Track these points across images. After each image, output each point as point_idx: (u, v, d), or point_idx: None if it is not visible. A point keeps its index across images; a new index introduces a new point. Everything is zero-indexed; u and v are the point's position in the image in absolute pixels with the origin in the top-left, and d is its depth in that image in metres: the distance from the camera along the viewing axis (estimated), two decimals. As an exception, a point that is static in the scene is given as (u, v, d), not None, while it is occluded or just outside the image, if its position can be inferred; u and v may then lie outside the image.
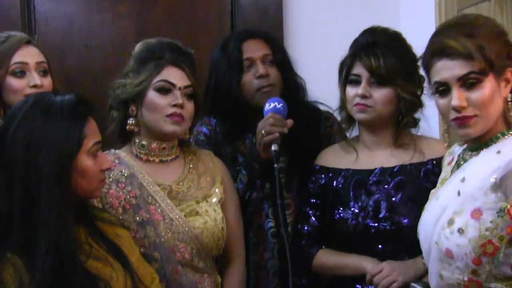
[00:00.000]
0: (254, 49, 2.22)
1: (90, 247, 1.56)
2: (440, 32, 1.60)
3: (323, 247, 2.06)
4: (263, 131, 1.98)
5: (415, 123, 2.04)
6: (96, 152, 1.60)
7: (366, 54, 1.96)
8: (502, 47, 1.55)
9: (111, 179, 1.88)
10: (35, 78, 2.05)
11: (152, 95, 1.90)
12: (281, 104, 2.03)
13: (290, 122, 2.02)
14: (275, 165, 1.90)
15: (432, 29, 2.50)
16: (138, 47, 2.04)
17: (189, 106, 1.93)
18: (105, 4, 2.86)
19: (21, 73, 2.05)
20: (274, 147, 1.95)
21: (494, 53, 1.52)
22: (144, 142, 1.96)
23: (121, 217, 1.86)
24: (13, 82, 2.04)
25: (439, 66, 1.56)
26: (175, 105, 1.89)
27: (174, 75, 1.91)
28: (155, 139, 1.95)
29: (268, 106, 2.04)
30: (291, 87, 2.25)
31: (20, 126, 1.52)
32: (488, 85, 1.53)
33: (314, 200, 2.08)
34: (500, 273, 1.48)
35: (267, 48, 2.24)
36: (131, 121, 1.93)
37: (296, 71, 2.31)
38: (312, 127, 2.24)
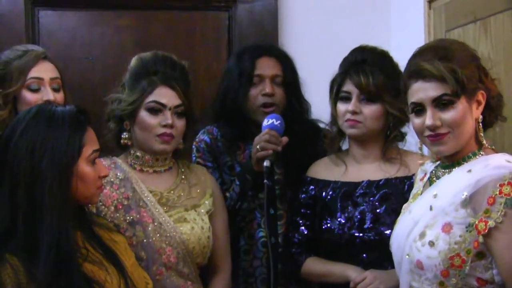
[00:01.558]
0: (266, 67, 2.28)
1: (86, 251, 1.63)
2: (417, 55, 1.67)
3: (312, 255, 2.12)
4: (258, 146, 2.06)
5: (402, 137, 2.11)
6: (95, 160, 1.68)
7: (355, 72, 2.03)
8: (474, 71, 1.62)
9: (106, 180, 1.94)
10: (49, 93, 2.13)
11: (143, 115, 1.98)
12: (278, 122, 2.10)
13: (285, 139, 2.09)
14: (265, 181, 1.97)
15: (421, 47, 2.61)
16: (133, 61, 2.07)
17: (179, 124, 2.00)
18: (106, 18, 2.92)
19: (36, 89, 2.14)
20: (266, 163, 2.01)
21: (466, 76, 1.59)
22: (138, 154, 2.04)
23: (112, 215, 1.94)
24: (28, 96, 2.13)
25: (415, 87, 1.63)
26: (165, 125, 1.96)
27: (165, 95, 1.98)
28: (148, 153, 2.03)
29: (266, 122, 2.11)
30: (294, 108, 2.30)
31: (23, 134, 1.59)
32: (460, 106, 1.60)
33: (304, 210, 2.15)
34: (466, 284, 1.54)
35: (279, 68, 2.29)
36: (124, 135, 2.02)
37: (303, 92, 2.37)
38: (311, 143, 2.30)
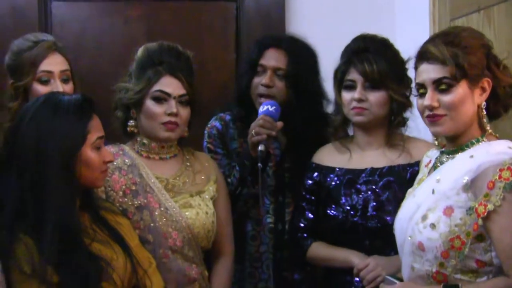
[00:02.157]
0: (271, 59, 2.31)
1: (93, 232, 1.72)
2: (429, 39, 1.73)
3: (317, 240, 2.16)
4: (253, 131, 2.11)
5: (404, 122, 2.14)
6: (99, 146, 1.75)
7: (359, 60, 2.06)
8: (480, 58, 1.66)
9: (114, 166, 2.02)
10: (58, 86, 2.17)
11: (149, 104, 2.03)
12: (273, 107, 2.14)
13: (280, 124, 2.13)
14: (259, 164, 2.02)
15: (426, 36, 2.62)
16: (140, 51, 2.12)
17: (184, 113, 2.05)
18: (116, 9, 2.96)
19: (46, 81, 2.18)
20: (260, 147, 2.07)
21: (469, 62, 1.63)
22: (145, 141, 2.10)
23: (120, 200, 2.00)
24: (39, 88, 2.17)
25: (420, 69, 1.70)
26: (170, 114, 2.02)
27: (170, 85, 2.03)
28: (154, 140, 2.09)
29: (262, 108, 2.16)
30: (296, 102, 2.29)
31: (31, 121, 1.67)
32: (460, 90, 1.64)
33: (309, 196, 2.18)
34: (466, 266, 1.59)
35: (285, 62, 2.30)
36: (131, 123, 2.08)
37: (321, 85, 2.36)
38: (320, 133, 2.31)
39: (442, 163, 1.73)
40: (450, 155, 1.72)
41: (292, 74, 2.29)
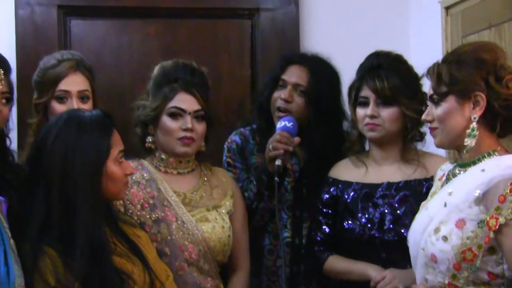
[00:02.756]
0: (293, 75, 2.36)
1: (114, 245, 1.76)
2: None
3: (334, 253, 2.19)
4: (270, 146, 2.14)
5: (422, 137, 2.17)
6: (121, 159, 1.80)
7: (371, 77, 2.11)
8: (471, 73, 1.67)
9: (133, 180, 2.07)
10: (74, 105, 2.20)
11: (165, 120, 2.09)
12: (291, 123, 2.18)
13: (297, 140, 2.17)
14: (276, 179, 2.06)
15: (438, 53, 2.69)
16: (156, 70, 2.17)
17: (199, 128, 2.10)
18: (133, 26, 3.01)
19: (63, 99, 2.23)
20: (277, 162, 2.11)
21: (453, 77, 1.67)
22: (163, 156, 2.15)
23: (138, 213, 2.04)
24: (56, 106, 2.23)
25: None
26: (185, 129, 2.07)
27: (184, 101, 2.09)
28: (171, 155, 2.14)
29: (279, 124, 2.20)
30: (319, 119, 2.31)
31: (57, 139, 1.73)
32: (446, 105, 1.70)
33: (326, 210, 2.21)
34: (478, 278, 1.60)
35: (306, 79, 2.34)
36: (149, 139, 2.14)
37: (341, 104, 2.38)
38: (337, 150, 2.33)
39: (454, 175, 1.76)
40: (463, 168, 1.75)
41: (312, 91, 2.33)
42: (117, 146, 1.79)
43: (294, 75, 2.36)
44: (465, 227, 1.61)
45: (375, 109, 2.10)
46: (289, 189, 2.36)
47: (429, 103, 1.75)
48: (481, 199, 1.62)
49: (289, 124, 2.18)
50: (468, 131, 1.68)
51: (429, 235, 1.67)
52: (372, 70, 2.13)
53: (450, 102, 1.69)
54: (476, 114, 1.67)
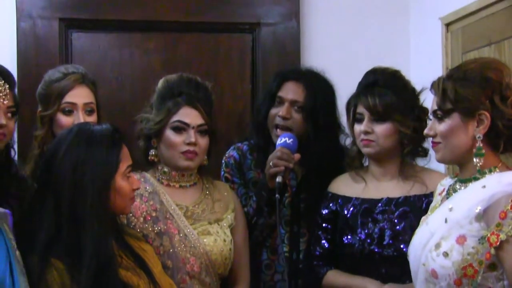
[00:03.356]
0: (289, 91, 2.36)
1: (121, 258, 1.76)
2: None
3: (333, 268, 2.19)
4: (270, 163, 2.15)
5: (425, 152, 2.18)
6: (129, 174, 1.81)
7: (364, 94, 2.13)
8: (476, 92, 1.67)
9: (136, 193, 2.03)
10: (80, 118, 2.22)
11: (169, 133, 2.09)
12: (291, 140, 2.18)
13: (297, 156, 2.17)
14: (276, 196, 2.06)
15: (439, 69, 2.70)
16: (160, 83, 2.18)
17: (202, 142, 2.11)
18: (135, 40, 3.03)
19: (69, 112, 2.23)
20: (278, 179, 2.10)
21: (458, 95, 1.67)
22: (165, 170, 2.15)
23: (141, 225, 2.04)
24: (62, 119, 2.23)
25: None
26: (188, 143, 2.07)
27: (188, 115, 2.09)
28: (174, 169, 2.14)
29: (279, 140, 2.20)
30: (318, 134, 2.32)
31: (67, 152, 1.73)
32: (449, 121, 1.70)
33: (326, 225, 2.22)
34: (479, 294, 1.60)
35: (303, 95, 2.34)
36: (152, 152, 2.14)
37: (337, 118, 2.40)
38: (335, 165, 2.34)
39: (455, 191, 1.76)
40: (463, 184, 1.75)
41: (309, 107, 2.33)
42: (125, 161, 1.79)
43: (291, 91, 2.36)
44: (466, 243, 1.61)
45: (369, 125, 2.12)
46: (286, 204, 2.36)
47: (431, 117, 1.76)
48: (482, 216, 1.62)
49: (289, 141, 2.18)
50: (475, 150, 1.68)
51: (430, 251, 1.67)
52: (368, 87, 2.15)
53: (454, 119, 1.70)
54: (480, 133, 1.68)
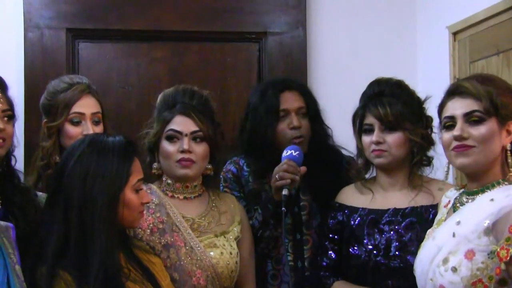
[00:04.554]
0: (290, 101, 2.36)
1: (129, 271, 1.74)
2: (459, 80, 1.82)
3: (340, 279, 2.17)
4: (276, 176, 2.13)
5: (429, 161, 2.17)
6: (139, 187, 1.80)
7: (374, 105, 2.12)
8: (509, 100, 1.70)
9: None
10: (88, 128, 2.21)
11: (164, 144, 2.09)
12: (297, 152, 2.17)
13: (303, 169, 2.16)
14: (283, 209, 2.04)
15: (446, 79, 2.69)
16: (159, 98, 2.19)
17: (198, 149, 2.08)
18: (141, 50, 3.04)
19: (77, 122, 2.22)
20: (284, 192, 2.09)
21: (501, 101, 1.67)
22: (169, 181, 2.14)
23: (148, 237, 2.03)
24: (70, 129, 2.21)
25: (451, 103, 1.74)
26: (182, 151, 2.06)
27: (181, 123, 2.08)
28: (175, 180, 2.13)
29: (285, 153, 2.18)
30: (319, 136, 2.38)
31: (78, 162, 1.73)
32: (489, 125, 1.68)
33: (332, 235, 2.21)
34: (489, 310, 1.58)
35: (302, 100, 2.37)
36: (155, 165, 2.14)
37: (323, 120, 2.44)
38: (334, 170, 2.35)
39: (462, 203, 1.75)
40: (470, 196, 1.74)
41: (312, 110, 2.38)
42: (136, 174, 1.78)
43: (292, 100, 2.36)
44: (475, 258, 1.60)
45: (380, 135, 2.10)
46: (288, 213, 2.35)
47: (458, 120, 1.71)
48: (491, 230, 1.61)
49: (295, 153, 2.17)
50: (510, 161, 1.67)
51: (438, 266, 1.66)
52: (374, 98, 2.14)
53: (492, 124, 1.69)
54: (508, 143, 1.68)
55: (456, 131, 1.69)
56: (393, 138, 2.10)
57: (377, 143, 2.10)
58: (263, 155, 2.35)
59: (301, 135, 2.34)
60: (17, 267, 1.60)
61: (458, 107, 1.71)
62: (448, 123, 1.73)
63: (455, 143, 1.70)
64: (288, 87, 2.40)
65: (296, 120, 2.34)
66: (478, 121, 1.68)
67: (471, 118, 1.69)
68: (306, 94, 2.41)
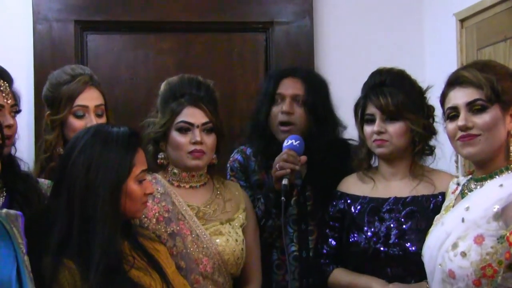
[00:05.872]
0: (288, 87, 2.36)
1: (133, 259, 1.75)
2: (458, 69, 1.78)
3: (339, 266, 2.18)
4: (277, 165, 2.14)
5: (431, 151, 2.16)
6: (143, 178, 1.80)
7: (375, 95, 2.11)
8: (510, 85, 1.69)
9: None
10: (92, 120, 2.19)
11: (174, 135, 2.09)
12: (297, 142, 2.17)
13: (303, 158, 2.17)
14: (282, 198, 2.05)
15: (454, 66, 2.69)
16: (162, 86, 2.18)
17: (209, 140, 2.10)
18: (149, 41, 3.06)
19: (81, 115, 2.20)
20: (284, 181, 2.09)
21: (502, 87, 1.67)
22: (175, 171, 2.15)
23: (154, 226, 2.05)
24: (74, 122, 2.20)
25: (452, 93, 1.73)
26: (194, 143, 2.07)
27: (192, 115, 2.09)
28: (183, 170, 2.15)
29: (286, 142, 2.18)
30: (316, 128, 2.34)
31: (81, 152, 1.73)
32: (493, 112, 1.68)
33: (333, 223, 2.22)
34: (499, 294, 1.59)
35: (302, 89, 2.35)
36: (161, 155, 2.14)
37: (334, 112, 2.41)
38: (340, 161, 2.33)
39: (470, 190, 1.75)
40: (479, 182, 1.74)
41: (310, 100, 2.34)
42: (140, 165, 1.79)
43: (290, 87, 2.36)
44: (484, 243, 1.60)
45: (382, 125, 2.10)
46: (292, 203, 2.36)
47: (461, 110, 1.71)
48: (500, 215, 1.61)
49: (295, 143, 2.17)
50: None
51: (447, 251, 1.66)
52: (375, 88, 2.14)
53: (496, 111, 1.68)
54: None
55: (460, 121, 1.69)
56: (394, 128, 2.10)
57: (379, 133, 2.10)
58: (258, 138, 2.38)
59: (290, 122, 2.32)
60: (26, 258, 1.60)
61: (460, 96, 1.71)
62: (452, 114, 1.73)
63: (460, 133, 1.70)
64: (292, 74, 2.40)
65: (287, 105, 2.33)
66: (481, 110, 1.68)
67: (474, 107, 1.69)
68: (310, 84, 2.37)
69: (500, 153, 1.71)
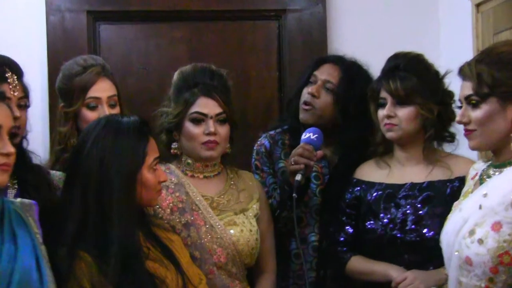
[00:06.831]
0: (324, 71, 2.37)
1: (148, 250, 1.76)
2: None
3: (357, 254, 2.18)
4: (291, 160, 2.13)
5: (453, 137, 2.15)
6: (155, 166, 1.81)
7: (386, 79, 2.12)
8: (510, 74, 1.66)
9: (162, 184, 2.04)
10: (105, 112, 2.17)
11: (188, 125, 2.10)
12: (315, 135, 2.16)
13: (320, 153, 2.16)
14: (294, 195, 2.03)
15: (469, 51, 2.65)
16: (175, 76, 2.18)
17: (222, 131, 2.10)
18: (161, 30, 3.04)
19: (94, 107, 2.19)
20: (297, 177, 2.07)
21: (498, 79, 1.64)
22: (189, 161, 2.16)
23: (168, 217, 2.05)
24: (87, 114, 2.19)
25: (460, 85, 1.74)
26: (208, 134, 2.07)
27: (205, 105, 2.09)
28: (197, 160, 2.14)
29: (304, 135, 2.17)
30: (346, 123, 2.31)
31: (94, 144, 1.74)
32: (487, 107, 1.67)
33: (350, 211, 2.22)
34: (516, 281, 1.57)
35: (337, 77, 2.34)
36: (174, 145, 2.15)
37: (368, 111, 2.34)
38: (362, 149, 2.31)
39: (488, 176, 1.74)
40: (498, 169, 1.72)
41: (341, 91, 2.32)
42: (152, 153, 1.80)
43: (326, 72, 2.36)
44: (502, 230, 1.59)
45: (392, 109, 2.11)
46: (317, 193, 2.35)
47: (462, 104, 1.73)
48: (519, 202, 1.59)
49: (313, 136, 2.16)
50: None
51: (464, 237, 1.65)
52: (389, 72, 2.14)
53: (492, 104, 1.67)
54: None
55: (457, 117, 1.73)
56: (403, 113, 2.10)
57: (388, 116, 2.11)
58: (288, 116, 2.40)
59: (312, 104, 2.32)
60: (43, 248, 1.61)
61: (461, 90, 1.72)
62: (458, 106, 1.76)
63: (463, 127, 1.73)
64: (334, 61, 2.41)
65: (314, 88, 2.33)
66: (475, 104, 1.68)
67: (471, 101, 1.69)
68: (347, 76, 2.33)
69: (508, 143, 1.68)
